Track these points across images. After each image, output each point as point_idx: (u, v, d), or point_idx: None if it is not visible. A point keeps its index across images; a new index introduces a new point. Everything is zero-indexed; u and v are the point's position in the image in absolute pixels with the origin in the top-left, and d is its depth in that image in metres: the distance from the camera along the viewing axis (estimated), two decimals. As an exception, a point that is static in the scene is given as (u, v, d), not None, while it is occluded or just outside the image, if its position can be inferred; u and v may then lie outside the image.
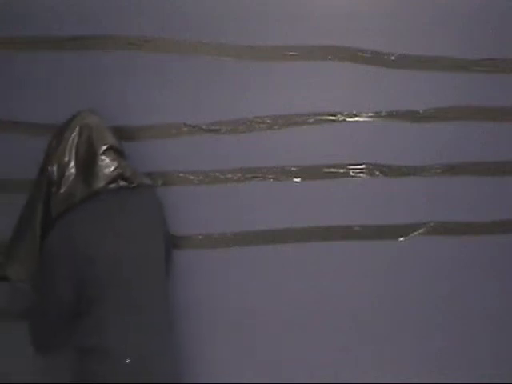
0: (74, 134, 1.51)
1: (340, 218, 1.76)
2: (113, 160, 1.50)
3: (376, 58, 1.76)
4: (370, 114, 1.76)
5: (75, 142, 1.50)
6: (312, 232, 1.76)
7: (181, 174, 1.75)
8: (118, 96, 1.73)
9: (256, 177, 1.76)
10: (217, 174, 1.75)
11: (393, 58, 1.76)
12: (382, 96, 1.76)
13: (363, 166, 1.76)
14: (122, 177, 1.50)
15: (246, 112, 1.75)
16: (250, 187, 1.74)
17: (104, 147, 1.50)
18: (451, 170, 1.78)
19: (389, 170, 1.76)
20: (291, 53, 1.74)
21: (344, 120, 1.76)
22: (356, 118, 1.76)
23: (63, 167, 1.49)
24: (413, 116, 1.77)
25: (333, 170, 1.76)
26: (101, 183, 1.47)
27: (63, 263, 1.42)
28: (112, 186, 1.48)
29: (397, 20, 1.75)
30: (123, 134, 1.69)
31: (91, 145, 1.50)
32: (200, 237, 1.75)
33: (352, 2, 1.75)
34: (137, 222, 1.50)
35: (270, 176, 1.76)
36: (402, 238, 1.77)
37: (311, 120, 1.76)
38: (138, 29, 1.72)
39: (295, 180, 1.76)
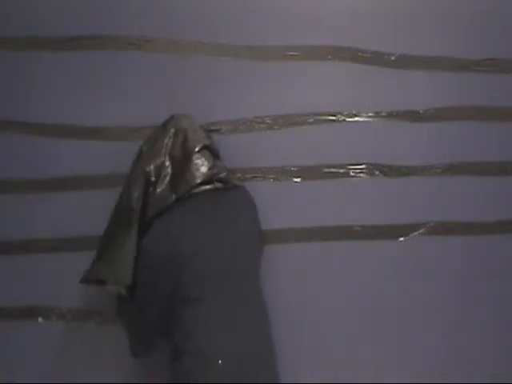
0: (170, 135, 1.55)
1: (340, 217, 1.76)
2: (207, 160, 1.52)
3: (376, 58, 1.76)
4: (370, 114, 1.76)
5: (170, 143, 1.54)
6: (312, 232, 1.76)
7: (181, 174, 1.75)
8: (118, 96, 1.73)
9: (256, 177, 1.76)
10: (217, 173, 1.75)
11: (393, 58, 1.76)
12: (381, 96, 1.76)
13: (363, 166, 1.76)
14: (216, 177, 1.51)
15: (246, 112, 1.75)
16: (250, 187, 1.74)
17: (198, 148, 1.52)
18: (451, 169, 1.78)
19: (389, 170, 1.76)
20: (291, 53, 1.74)
21: (344, 120, 1.76)
22: (356, 118, 1.76)
23: (159, 168, 1.52)
24: (413, 116, 1.77)
25: (333, 170, 1.76)
26: (196, 181, 1.49)
27: (162, 262, 1.43)
28: (207, 186, 1.49)
29: (397, 20, 1.75)
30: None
31: (186, 146, 1.53)
32: (200, 237, 1.75)
33: (352, 2, 1.75)
34: (232, 221, 1.51)
35: (270, 176, 1.76)
36: (402, 238, 1.77)
37: (311, 120, 1.76)
38: (137, 29, 1.72)
39: (295, 180, 1.76)
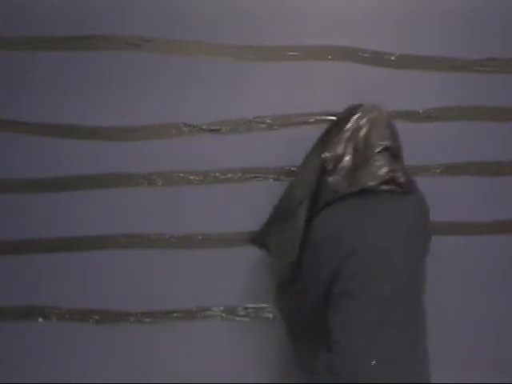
0: (353, 127, 1.51)
1: (340, 218, 1.76)
2: (387, 162, 1.47)
3: (376, 58, 1.76)
4: (370, 114, 1.76)
5: (353, 135, 1.50)
6: (312, 232, 1.76)
7: (181, 174, 1.75)
8: (118, 96, 1.73)
9: (256, 177, 1.76)
10: (217, 174, 1.75)
11: (393, 58, 1.76)
12: (381, 96, 1.76)
13: (363, 166, 1.76)
14: (393, 181, 1.47)
15: (246, 112, 1.75)
16: (250, 187, 1.74)
17: (380, 147, 1.48)
18: (451, 169, 1.78)
19: (389, 170, 1.76)
20: (291, 53, 1.74)
21: (344, 120, 1.76)
22: (356, 118, 1.76)
23: (338, 157, 1.50)
24: (413, 116, 1.77)
25: (333, 170, 1.76)
26: (372, 182, 1.45)
27: (327, 249, 1.43)
28: (384, 187, 1.45)
29: (397, 20, 1.75)
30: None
31: (368, 142, 1.49)
32: (200, 237, 1.75)
33: (352, 2, 1.75)
34: (401, 223, 1.46)
35: (270, 176, 1.76)
36: (401, 238, 1.77)
37: (311, 120, 1.76)
38: (137, 29, 1.72)
39: (295, 180, 1.76)
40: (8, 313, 1.74)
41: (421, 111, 1.77)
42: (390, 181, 1.46)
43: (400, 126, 1.75)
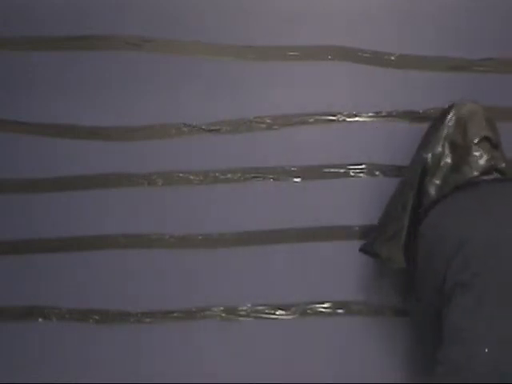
0: (450, 124, 1.55)
1: (340, 217, 1.76)
2: (486, 151, 1.51)
3: (376, 58, 1.76)
4: (370, 114, 1.76)
5: (450, 132, 1.54)
6: (312, 232, 1.76)
7: (181, 174, 1.75)
8: (118, 96, 1.73)
9: (256, 177, 1.76)
10: (217, 174, 1.75)
11: (393, 58, 1.76)
12: (382, 96, 1.76)
13: (363, 166, 1.76)
14: (495, 168, 1.50)
15: (246, 112, 1.75)
16: (250, 187, 1.74)
17: (478, 138, 1.51)
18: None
19: (389, 170, 1.76)
20: (291, 53, 1.74)
21: (344, 120, 1.76)
22: (356, 118, 1.76)
23: (438, 156, 1.54)
24: (413, 116, 1.77)
25: (333, 170, 1.76)
26: (473, 173, 1.49)
27: (437, 249, 1.44)
28: (486, 177, 1.49)
29: (397, 20, 1.75)
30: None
31: (466, 136, 1.53)
32: (200, 237, 1.75)
33: (353, 2, 1.75)
34: (510, 211, 1.46)
35: (270, 176, 1.76)
36: (402, 238, 1.77)
37: (311, 120, 1.76)
38: (138, 29, 1.72)
39: (295, 180, 1.76)
40: (8, 313, 1.74)
41: (421, 111, 1.77)
42: (491, 169, 1.49)
43: (400, 126, 1.77)
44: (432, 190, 1.54)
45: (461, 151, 1.53)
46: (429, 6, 1.76)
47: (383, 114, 1.77)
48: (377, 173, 1.77)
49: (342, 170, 1.76)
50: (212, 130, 1.73)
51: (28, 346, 1.74)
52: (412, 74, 1.77)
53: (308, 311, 1.76)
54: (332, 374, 1.75)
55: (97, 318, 1.75)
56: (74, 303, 1.75)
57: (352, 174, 1.77)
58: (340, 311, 1.75)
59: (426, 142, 1.60)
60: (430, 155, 1.56)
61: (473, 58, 1.77)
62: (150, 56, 1.73)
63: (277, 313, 1.76)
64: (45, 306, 1.75)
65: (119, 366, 1.75)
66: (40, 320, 1.74)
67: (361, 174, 1.77)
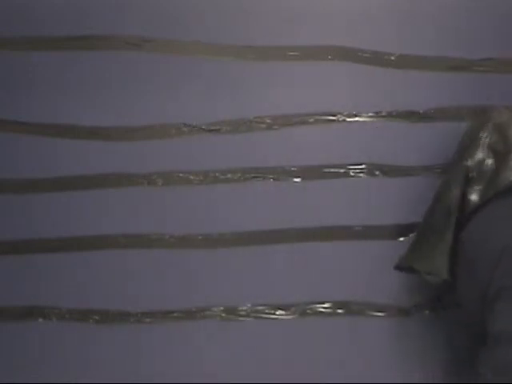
0: (490, 131, 1.52)
1: (340, 218, 1.76)
2: None
3: (376, 58, 1.76)
4: (370, 114, 1.76)
5: (491, 139, 1.51)
6: (312, 232, 1.76)
7: (181, 174, 1.75)
8: (118, 96, 1.73)
9: (256, 177, 1.76)
10: (217, 174, 1.75)
11: (393, 58, 1.76)
12: (382, 96, 1.76)
13: (363, 166, 1.76)
14: None
15: (246, 112, 1.75)
16: (250, 187, 1.74)
17: None
18: (451, 170, 1.78)
19: (389, 170, 1.76)
20: (291, 53, 1.74)
21: (344, 120, 1.76)
22: (356, 118, 1.76)
23: (479, 163, 1.51)
24: (413, 116, 1.77)
25: (333, 170, 1.76)
26: None
27: (481, 256, 1.41)
28: None
29: (397, 20, 1.76)
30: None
31: (507, 141, 1.50)
32: (199, 237, 1.75)
33: (353, 2, 1.75)
34: None
35: (270, 176, 1.76)
36: (402, 238, 1.77)
37: (311, 120, 1.76)
38: (138, 29, 1.72)
39: (295, 180, 1.76)
40: (8, 313, 1.74)
41: (421, 111, 1.77)
42: None
43: (400, 125, 1.77)
44: (474, 197, 1.51)
45: (502, 157, 1.50)
46: (429, 6, 1.76)
47: (383, 114, 1.77)
48: (377, 173, 1.77)
49: (342, 170, 1.76)
50: (212, 130, 1.74)
51: (28, 346, 1.75)
52: (412, 74, 1.77)
53: (308, 311, 1.76)
54: (332, 374, 1.75)
55: (97, 318, 1.75)
56: (74, 303, 1.75)
57: (352, 173, 1.77)
58: (340, 311, 1.76)
59: (464, 150, 1.56)
60: (470, 162, 1.52)
61: (473, 57, 1.77)
62: (150, 56, 1.73)
63: (277, 313, 1.76)
64: (45, 305, 1.75)
65: (119, 366, 1.75)
66: (40, 320, 1.75)
67: (361, 174, 1.77)
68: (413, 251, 1.60)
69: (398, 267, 1.63)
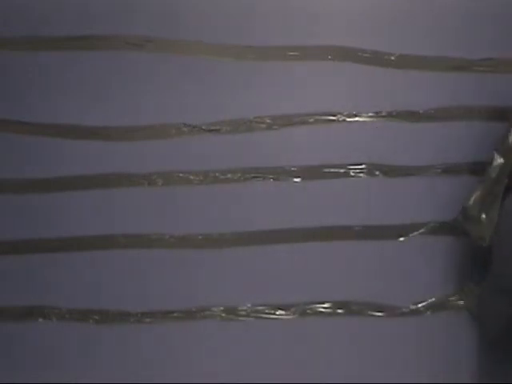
0: None
1: (340, 217, 1.76)
2: None
3: (376, 58, 1.76)
4: (370, 114, 1.76)
5: None
6: (312, 232, 1.76)
7: (181, 174, 1.75)
8: (118, 96, 1.73)
9: (256, 177, 1.76)
10: (217, 174, 1.75)
11: (393, 58, 1.76)
12: (382, 96, 1.76)
13: (363, 166, 1.76)
14: None
15: (246, 112, 1.75)
16: (250, 187, 1.74)
17: None
18: (451, 169, 1.78)
19: (389, 170, 1.76)
20: (291, 53, 1.74)
21: (344, 120, 1.76)
22: (356, 118, 1.76)
23: None
24: (413, 116, 1.77)
25: (333, 170, 1.76)
26: None
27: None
28: None
29: (397, 20, 1.76)
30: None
31: None
32: (199, 237, 1.75)
33: (352, 2, 1.75)
34: None
35: (270, 176, 1.76)
36: (402, 238, 1.77)
37: (311, 120, 1.76)
38: (138, 29, 1.73)
39: (295, 180, 1.76)
40: (8, 313, 1.74)
41: (421, 111, 1.77)
42: None
43: (400, 126, 1.77)
44: None
45: None
46: (429, 6, 1.76)
47: (383, 114, 1.77)
48: (377, 173, 1.77)
49: (342, 170, 1.76)
50: (212, 130, 1.74)
51: (28, 346, 1.75)
52: (412, 74, 1.77)
53: (308, 311, 1.76)
54: (332, 374, 1.75)
55: (97, 318, 1.74)
56: (74, 303, 1.75)
57: (352, 173, 1.77)
58: (340, 311, 1.76)
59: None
60: None
61: (473, 57, 1.77)
62: (150, 56, 1.73)
63: (277, 313, 1.76)
64: (45, 305, 1.75)
65: (119, 366, 1.75)
66: (40, 320, 1.75)
67: (361, 174, 1.77)
68: (466, 216, 1.58)
69: (455, 225, 1.64)
